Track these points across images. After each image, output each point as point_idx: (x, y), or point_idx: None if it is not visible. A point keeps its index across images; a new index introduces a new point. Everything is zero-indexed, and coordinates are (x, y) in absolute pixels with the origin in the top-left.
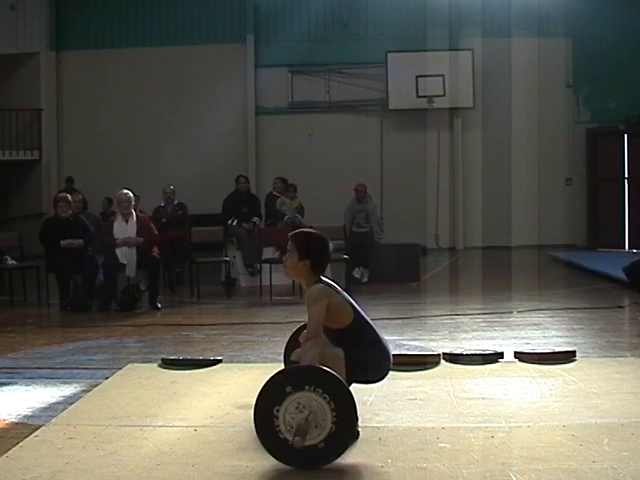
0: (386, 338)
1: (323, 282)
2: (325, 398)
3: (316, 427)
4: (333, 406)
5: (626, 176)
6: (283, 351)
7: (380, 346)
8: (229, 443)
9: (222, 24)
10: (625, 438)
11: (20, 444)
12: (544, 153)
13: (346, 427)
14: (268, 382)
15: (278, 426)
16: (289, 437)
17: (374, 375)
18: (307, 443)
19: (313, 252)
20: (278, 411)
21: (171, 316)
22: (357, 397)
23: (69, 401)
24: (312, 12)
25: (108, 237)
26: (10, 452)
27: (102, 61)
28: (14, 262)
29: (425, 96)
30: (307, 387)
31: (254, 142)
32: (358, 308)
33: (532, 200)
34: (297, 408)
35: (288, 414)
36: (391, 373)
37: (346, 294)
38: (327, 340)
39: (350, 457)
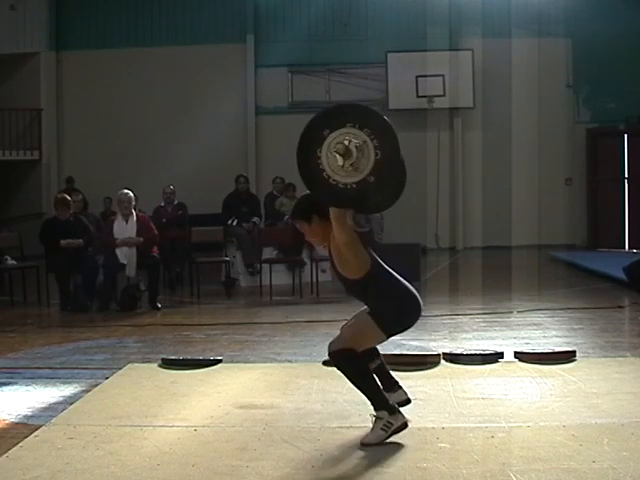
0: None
1: None
2: (365, 132)
3: (362, 156)
4: (374, 140)
5: (626, 176)
6: None
7: (403, 287)
8: (229, 443)
9: (222, 24)
10: (625, 438)
11: (20, 444)
12: (544, 153)
13: (392, 156)
14: (306, 128)
15: (321, 164)
16: (333, 176)
17: (409, 318)
18: (356, 178)
19: (311, 208)
20: (320, 152)
21: (171, 316)
22: (357, 397)
23: (69, 401)
24: (312, 12)
25: (108, 237)
26: (10, 452)
27: (102, 61)
28: (14, 262)
29: (425, 96)
30: (348, 125)
31: (254, 142)
32: (376, 257)
33: (532, 200)
34: (337, 143)
35: (330, 152)
36: (391, 373)
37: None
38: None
39: (350, 457)
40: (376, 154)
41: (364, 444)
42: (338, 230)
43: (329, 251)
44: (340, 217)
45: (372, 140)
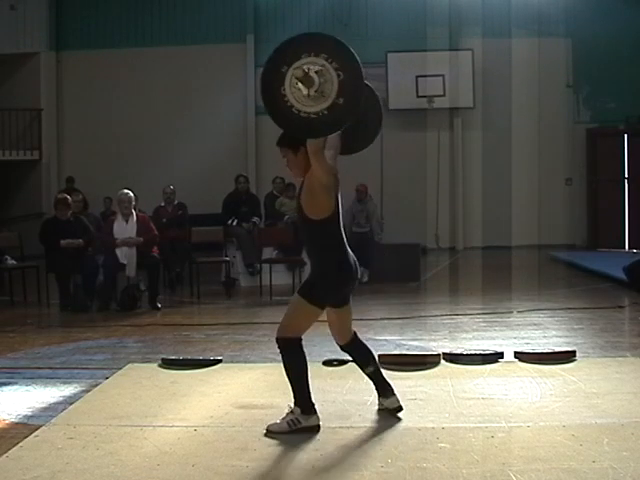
0: (386, 338)
1: None
2: (322, 56)
3: (325, 82)
4: (333, 62)
5: (626, 176)
6: None
7: (343, 253)
8: (229, 443)
9: (222, 24)
10: (625, 438)
11: (20, 444)
12: (544, 153)
13: (354, 73)
14: (264, 70)
15: (288, 101)
16: (303, 109)
17: (339, 290)
18: (326, 103)
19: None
20: (284, 89)
21: (171, 316)
22: (357, 397)
23: (69, 401)
24: (312, 12)
25: (108, 237)
26: (10, 452)
27: (102, 61)
28: (14, 262)
29: (425, 96)
30: (303, 55)
31: (254, 142)
32: (340, 212)
33: (532, 200)
34: (296, 68)
35: (292, 86)
36: (391, 373)
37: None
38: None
39: (350, 457)
40: (338, 75)
41: (268, 430)
42: (317, 166)
43: (300, 185)
44: (318, 151)
45: (331, 63)
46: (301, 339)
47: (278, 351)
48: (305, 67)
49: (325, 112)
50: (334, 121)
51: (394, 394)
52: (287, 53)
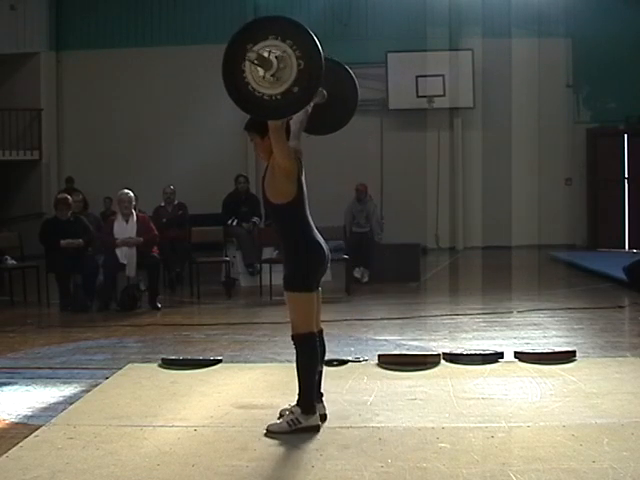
0: (386, 338)
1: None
2: (287, 43)
3: (284, 67)
4: (297, 50)
5: (626, 176)
6: None
7: (311, 236)
8: (229, 443)
9: (222, 24)
10: (625, 438)
11: (20, 444)
12: (544, 153)
13: (315, 65)
14: (229, 42)
15: (246, 77)
16: (258, 88)
17: (316, 272)
18: (281, 89)
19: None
20: (244, 66)
21: (171, 316)
22: (357, 397)
23: (69, 401)
24: (312, 12)
25: (108, 237)
26: (10, 452)
27: (102, 61)
28: (14, 262)
29: (425, 96)
30: (270, 37)
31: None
32: (304, 189)
33: (532, 200)
34: (252, 55)
35: (253, 68)
36: (391, 373)
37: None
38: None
39: (350, 457)
40: (299, 64)
41: (268, 430)
42: (275, 146)
43: (265, 169)
44: (276, 129)
45: (294, 51)
46: (315, 334)
47: (293, 348)
48: (266, 50)
49: (278, 97)
50: (284, 107)
51: (322, 401)
52: (255, 32)
